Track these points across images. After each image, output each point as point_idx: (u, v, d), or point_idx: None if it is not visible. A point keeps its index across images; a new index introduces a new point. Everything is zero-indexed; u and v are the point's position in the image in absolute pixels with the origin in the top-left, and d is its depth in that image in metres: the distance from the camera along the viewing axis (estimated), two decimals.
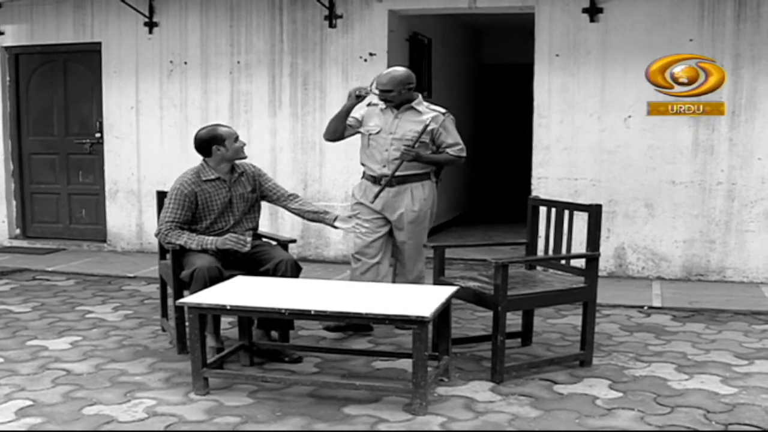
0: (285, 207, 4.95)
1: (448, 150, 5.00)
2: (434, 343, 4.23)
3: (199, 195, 4.63)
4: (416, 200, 4.99)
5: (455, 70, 9.76)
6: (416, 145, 4.85)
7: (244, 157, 4.77)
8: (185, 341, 4.47)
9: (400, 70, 5.03)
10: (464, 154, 5.05)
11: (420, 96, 5.07)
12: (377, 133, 5.00)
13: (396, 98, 4.95)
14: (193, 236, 4.57)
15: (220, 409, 3.77)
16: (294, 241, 5.03)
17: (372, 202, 4.97)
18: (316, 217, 4.89)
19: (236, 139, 4.70)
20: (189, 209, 4.61)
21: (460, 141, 5.04)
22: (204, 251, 4.51)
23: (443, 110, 5.05)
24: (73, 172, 8.38)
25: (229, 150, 4.66)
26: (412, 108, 5.00)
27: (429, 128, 4.89)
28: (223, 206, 4.68)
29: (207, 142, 4.67)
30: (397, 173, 4.91)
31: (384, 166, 4.97)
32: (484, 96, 11.38)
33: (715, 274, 6.67)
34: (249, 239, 4.61)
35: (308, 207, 4.95)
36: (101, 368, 4.39)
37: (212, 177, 4.68)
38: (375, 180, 5.02)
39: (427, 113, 4.96)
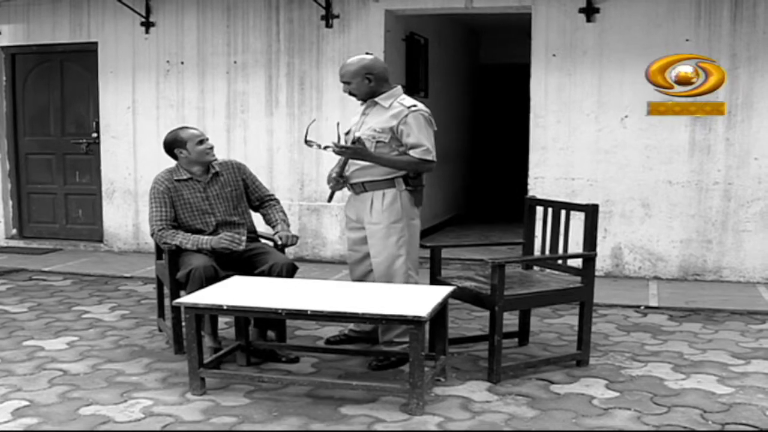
0: (258, 210, 4.92)
1: (410, 152, 4.35)
2: (431, 343, 4.22)
3: (173, 192, 4.63)
4: (375, 211, 4.43)
5: (452, 70, 9.76)
6: (349, 142, 4.33)
7: (212, 160, 4.72)
8: (182, 341, 4.47)
9: (360, 58, 4.49)
10: (429, 157, 4.34)
11: (395, 89, 4.48)
12: (346, 133, 4.53)
13: (358, 90, 4.43)
14: (189, 236, 4.56)
15: (216, 409, 3.77)
16: None
17: (329, 202, 4.68)
18: (268, 224, 4.88)
19: (200, 141, 4.67)
20: (171, 205, 4.62)
21: (426, 142, 4.34)
22: (200, 251, 4.51)
23: (409, 104, 4.39)
24: (70, 172, 8.36)
25: (192, 153, 4.65)
26: (376, 103, 4.44)
27: (357, 131, 4.37)
28: (200, 206, 4.66)
29: (170, 146, 4.71)
30: (358, 179, 4.45)
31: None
32: (481, 96, 11.38)
33: (712, 274, 6.67)
34: (243, 238, 4.60)
35: (272, 215, 4.87)
36: (98, 368, 4.39)
37: (184, 177, 4.68)
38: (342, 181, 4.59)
39: (395, 108, 4.38)
